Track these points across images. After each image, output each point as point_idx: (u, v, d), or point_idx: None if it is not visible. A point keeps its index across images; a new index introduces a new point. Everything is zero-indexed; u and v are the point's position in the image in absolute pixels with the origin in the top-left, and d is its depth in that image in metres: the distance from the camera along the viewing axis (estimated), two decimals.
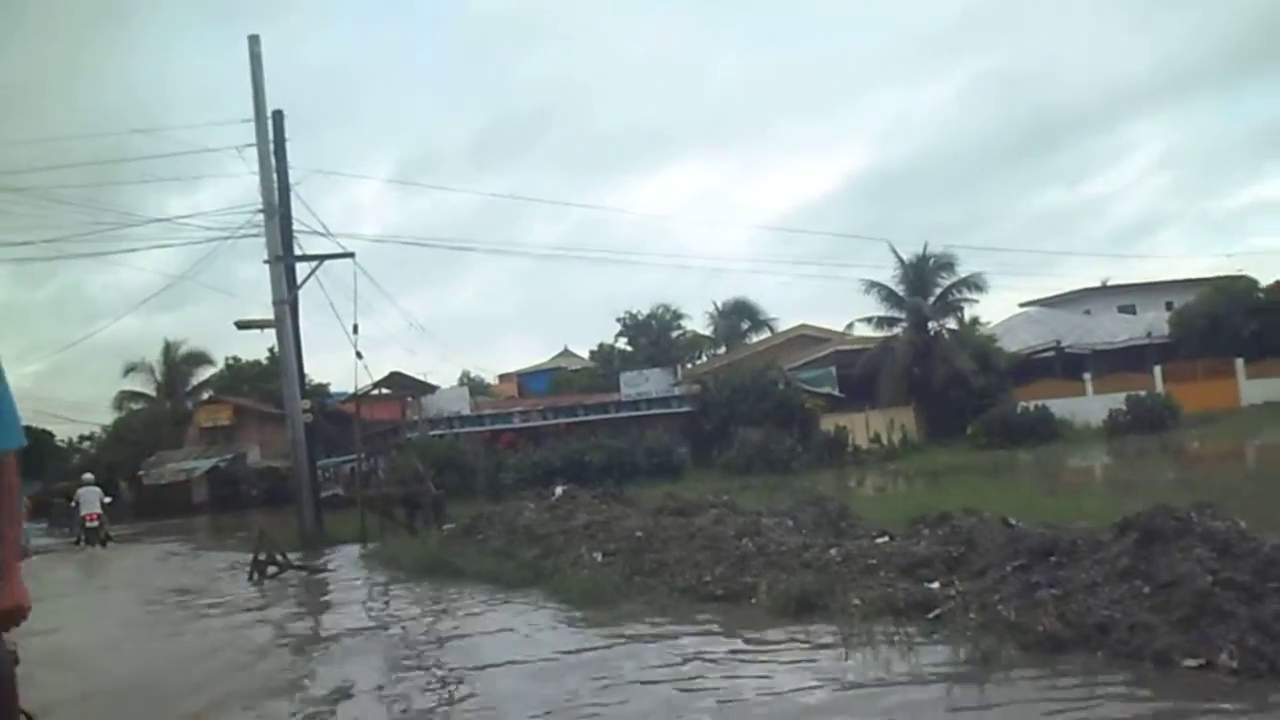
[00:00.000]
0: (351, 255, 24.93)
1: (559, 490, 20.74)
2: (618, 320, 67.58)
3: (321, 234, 25.69)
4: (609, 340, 67.79)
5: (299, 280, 25.14)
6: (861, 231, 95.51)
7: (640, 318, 67.10)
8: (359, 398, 25.28)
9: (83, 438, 79.39)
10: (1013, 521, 12.05)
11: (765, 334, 66.82)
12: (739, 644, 9.80)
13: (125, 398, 69.51)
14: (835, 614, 10.06)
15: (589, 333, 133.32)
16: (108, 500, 34.86)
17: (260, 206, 24.87)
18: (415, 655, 10.74)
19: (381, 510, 23.42)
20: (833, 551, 11.94)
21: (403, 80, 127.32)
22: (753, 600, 11.38)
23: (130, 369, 69.11)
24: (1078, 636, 8.14)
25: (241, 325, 25.22)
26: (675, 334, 67.69)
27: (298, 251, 25.21)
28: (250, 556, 19.09)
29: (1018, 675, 7.71)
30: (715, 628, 10.57)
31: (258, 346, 70.12)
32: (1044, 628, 8.30)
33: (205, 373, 70.48)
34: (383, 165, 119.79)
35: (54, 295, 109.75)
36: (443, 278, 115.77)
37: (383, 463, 48.04)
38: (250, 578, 18.60)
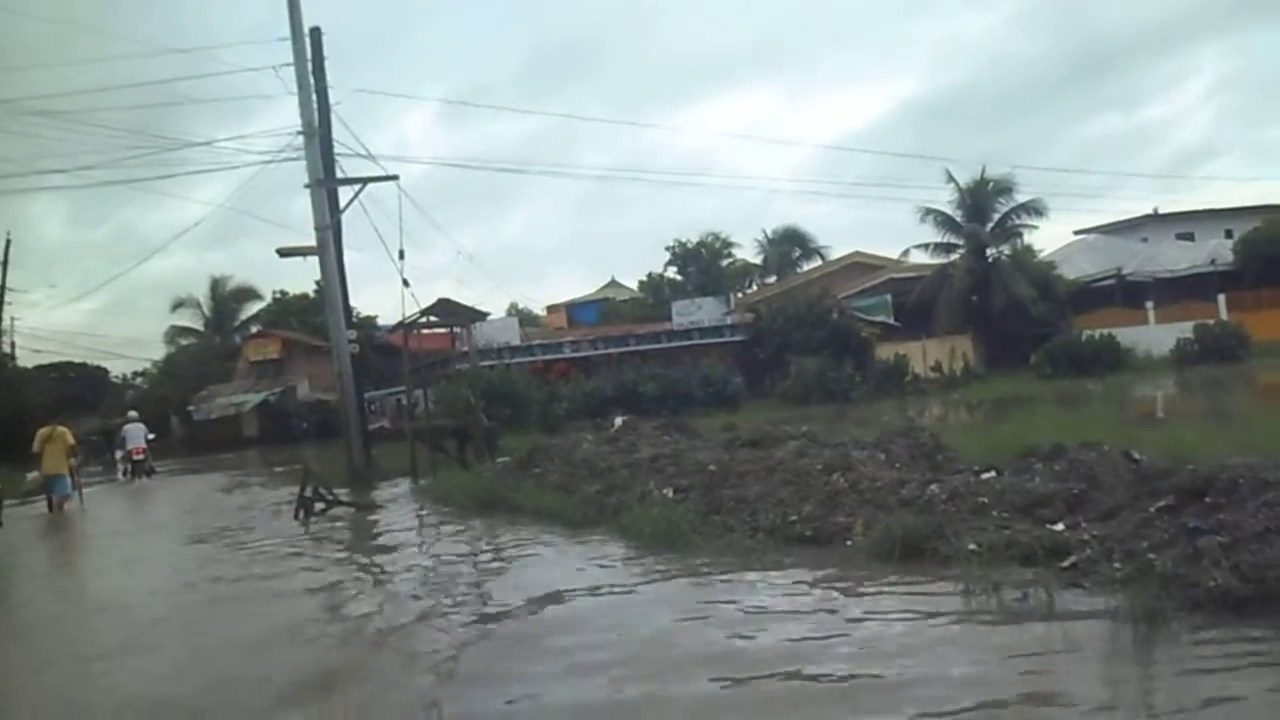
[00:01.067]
0: (395, 178, 23.62)
1: (618, 421, 19.57)
2: (667, 249, 66.23)
3: (365, 157, 24.35)
4: (658, 270, 66.53)
5: (342, 206, 23.85)
6: (909, 160, 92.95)
7: (690, 246, 65.74)
8: (406, 326, 23.97)
9: (135, 374, 79.26)
10: (1137, 456, 10.71)
11: (816, 262, 65.39)
12: (842, 592, 8.56)
13: (175, 333, 69.13)
14: (947, 559, 8.78)
15: (637, 263, 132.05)
16: (151, 436, 34.85)
17: (300, 128, 23.57)
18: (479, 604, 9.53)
19: (432, 443, 22.24)
20: (934, 488, 10.62)
21: (447, 11, 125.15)
22: (848, 542, 10.15)
23: (178, 304, 68.73)
24: (1261, 593, 6.76)
25: (283, 253, 24.00)
26: (725, 263, 66.18)
27: (341, 177, 23.94)
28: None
29: (1191, 638, 6.39)
30: (812, 573, 9.27)
31: (305, 280, 69.37)
32: (1216, 582, 6.92)
33: (253, 307, 69.90)
34: (428, 98, 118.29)
35: (110, 234, 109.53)
36: (489, 210, 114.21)
37: (431, 394, 47.15)
38: (296, 516, 17.51)
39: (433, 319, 24.75)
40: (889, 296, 48.88)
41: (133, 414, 38.47)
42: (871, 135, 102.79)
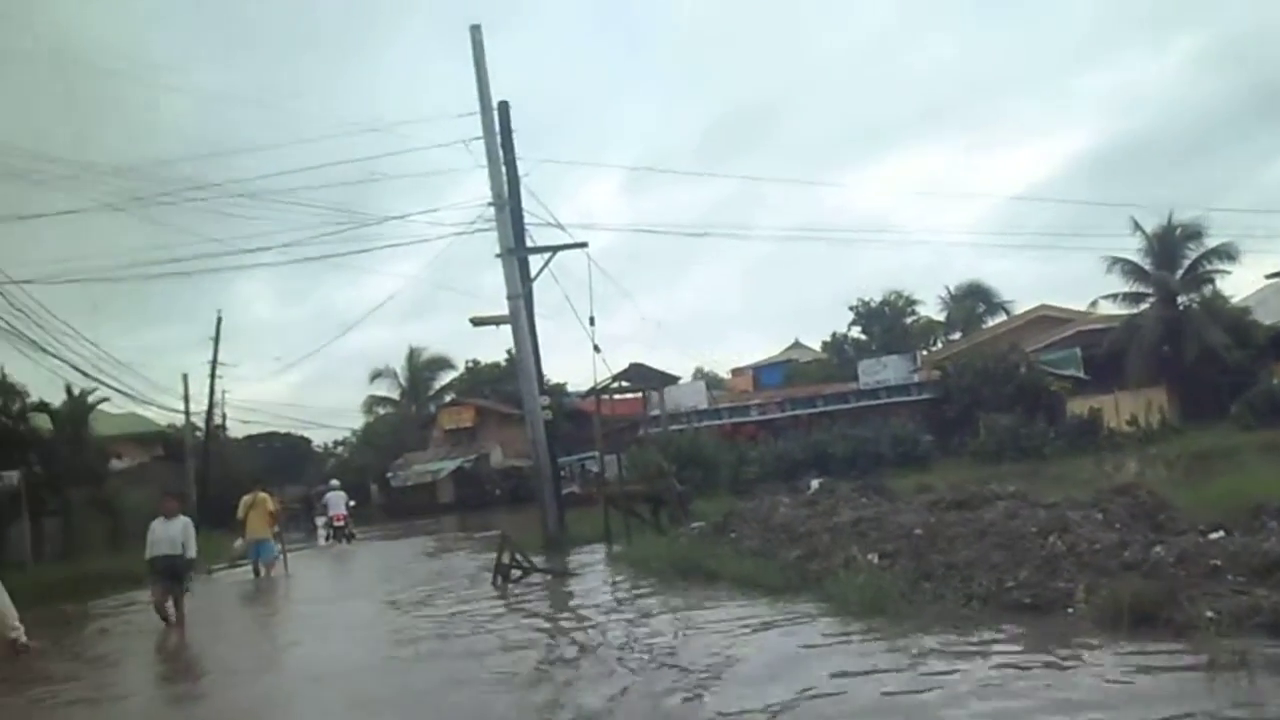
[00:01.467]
0: (584, 245, 23.87)
1: (814, 484, 19.16)
2: (850, 308, 65.82)
3: (553, 225, 24.63)
4: (841, 330, 65.96)
5: (533, 274, 24.14)
6: (1089, 211, 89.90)
7: (873, 305, 65.09)
8: (599, 391, 24.07)
9: (336, 443, 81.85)
10: None
11: (1001, 317, 63.58)
12: (1066, 664, 7.99)
13: (373, 403, 71.25)
14: (1183, 628, 8.15)
15: (819, 324, 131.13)
16: (352, 503, 36.19)
17: (490, 200, 23.98)
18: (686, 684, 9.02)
19: (625, 508, 22.14)
20: (1159, 550, 9.98)
21: (625, 85, 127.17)
22: (1069, 610, 9.55)
23: (376, 375, 70.92)
24: None
25: (476, 322, 24.37)
26: (909, 320, 65.21)
27: (531, 245, 24.26)
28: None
29: None
30: (1037, 643, 8.71)
31: (496, 350, 70.81)
32: None
33: (446, 376, 71.68)
34: (613, 165, 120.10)
35: (312, 311, 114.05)
36: (672, 277, 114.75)
37: (621, 459, 47.30)
38: (494, 582, 17.56)
39: (624, 384, 24.76)
40: (1078, 349, 47.00)
41: (334, 482, 40.21)
42: (1048, 188, 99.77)
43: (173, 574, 15.83)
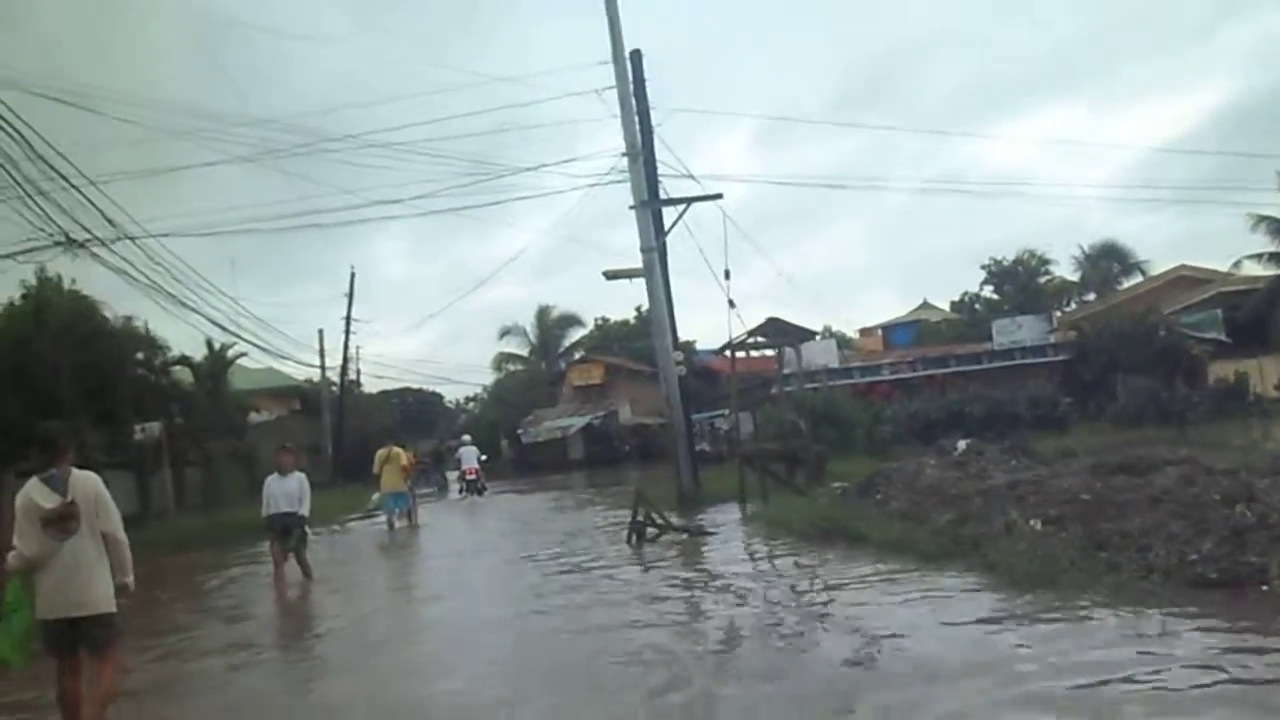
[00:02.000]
0: (719, 196, 23.07)
1: (961, 444, 18.19)
2: (982, 267, 64.04)
3: (687, 177, 23.94)
4: (972, 289, 64.22)
5: (666, 227, 23.46)
6: (1231, 166, 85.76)
7: (1006, 264, 63.20)
8: (734, 347, 23.28)
9: (467, 399, 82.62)
10: None
11: (1137, 278, 61.18)
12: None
13: (503, 359, 71.50)
14: None
15: (948, 285, 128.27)
16: (484, 458, 36.60)
17: (624, 151, 23.33)
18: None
19: (761, 467, 21.44)
20: None
21: (757, 37, 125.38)
22: (1264, 586, 8.62)
23: (505, 332, 71.23)
24: None
25: (610, 275, 23.78)
26: (1043, 280, 63.10)
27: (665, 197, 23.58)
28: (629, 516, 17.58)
29: None
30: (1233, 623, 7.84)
31: (625, 307, 70.58)
32: None
33: (576, 334, 71.69)
34: (738, 128, 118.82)
35: (443, 268, 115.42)
36: (798, 237, 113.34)
37: (751, 418, 46.56)
38: (629, 540, 17.02)
39: (759, 339, 23.97)
40: (1219, 311, 44.69)
41: (466, 437, 40.98)
42: (1185, 144, 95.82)
43: (288, 531, 15.32)
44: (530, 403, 63.14)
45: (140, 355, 33.50)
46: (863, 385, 42.20)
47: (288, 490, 15.33)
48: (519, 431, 58.98)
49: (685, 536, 17.15)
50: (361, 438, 57.17)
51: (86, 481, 7.06)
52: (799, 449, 21.36)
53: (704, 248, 25.55)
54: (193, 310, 30.28)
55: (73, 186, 20.79)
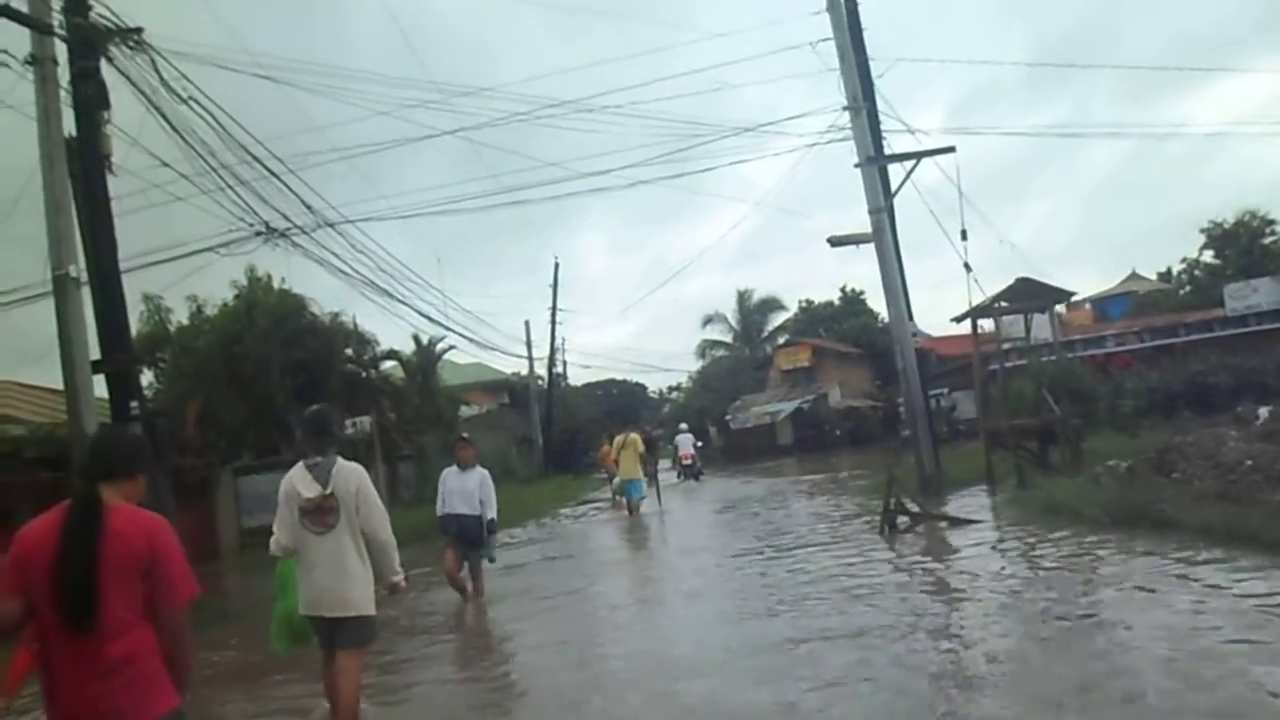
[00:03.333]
0: (951, 150, 20.56)
1: (1263, 413, 15.46)
2: (1201, 231, 59.27)
3: (909, 131, 21.59)
4: (1188, 256, 59.59)
5: (894, 187, 21.11)
6: None
7: (1227, 227, 58.30)
8: (977, 312, 20.66)
9: (670, 388, 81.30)
10: None
11: None
12: None
13: (706, 346, 69.74)
14: None
15: (1153, 255, 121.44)
16: (699, 444, 35.69)
17: (845, 104, 21.05)
18: None
19: (1017, 446, 18.94)
20: None
21: (950, 11, 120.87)
22: None
23: (707, 320, 69.44)
24: None
25: (835, 242, 21.49)
26: (1269, 240, 57.88)
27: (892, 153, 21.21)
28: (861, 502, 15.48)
29: None
30: None
31: (829, 289, 68.20)
32: None
33: (779, 318, 69.43)
34: (935, 106, 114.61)
35: (644, 263, 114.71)
36: (998, 208, 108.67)
37: (969, 397, 43.68)
38: (881, 530, 14.86)
39: (1002, 304, 21.27)
40: None
41: (682, 425, 40.72)
42: None
43: (468, 539, 12.98)
44: (736, 389, 61.19)
45: (349, 351, 32.82)
46: (1100, 357, 38.78)
47: (466, 488, 12.99)
48: (727, 418, 57.05)
49: (945, 525, 14.88)
50: (569, 429, 56.43)
51: (350, 474, 6.65)
52: (1055, 424, 18.75)
53: (921, 214, 23.04)
54: (400, 302, 29.18)
55: (271, 173, 19.53)
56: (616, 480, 26.89)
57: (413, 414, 37.80)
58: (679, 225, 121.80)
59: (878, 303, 67.36)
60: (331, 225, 21.76)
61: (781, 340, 65.23)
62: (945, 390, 46.51)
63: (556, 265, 56.13)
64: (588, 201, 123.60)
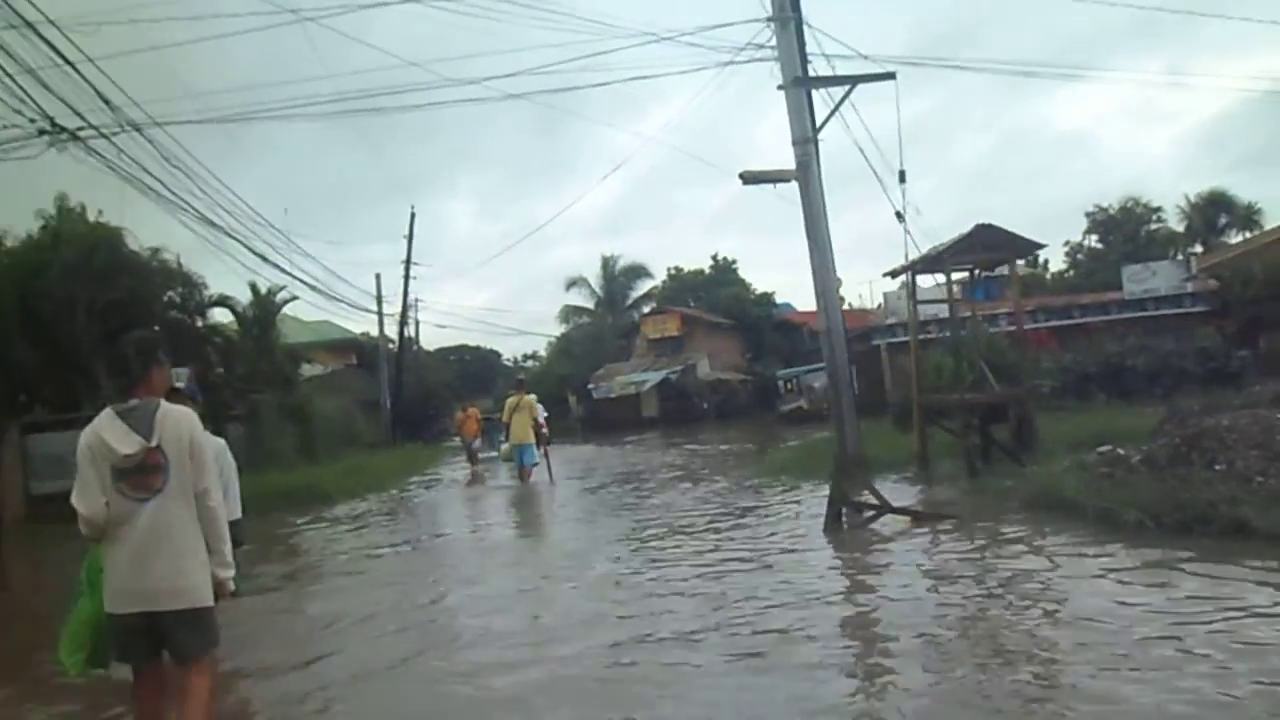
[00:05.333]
0: (892, 76, 17.10)
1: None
2: (1086, 215, 58.11)
3: (848, 55, 18.06)
4: (1075, 238, 58.36)
5: (819, 120, 17.58)
6: None
7: (1112, 213, 57.20)
8: (916, 266, 17.09)
9: (526, 356, 77.46)
10: None
11: (1246, 230, 55.94)
12: None
13: (569, 312, 65.93)
14: None
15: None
16: (545, 415, 31.57)
17: (769, 14, 17.42)
18: None
19: (965, 426, 15.61)
20: None
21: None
22: None
23: (571, 284, 65.84)
24: None
25: (748, 178, 17.73)
26: (1151, 227, 56.87)
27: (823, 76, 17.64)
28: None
29: None
30: None
31: (700, 256, 65.34)
32: None
33: (645, 285, 65.97)
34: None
35: (510, 227, 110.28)
36: (872, 191, 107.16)
37: (856, 373, 40.84)
38: (826, 527, 11.44)
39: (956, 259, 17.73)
40: None
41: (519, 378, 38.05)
42: (1260, 105, 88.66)
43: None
44: (599, 357, 57.63)
45: (171, 294, 28.20)
46: (1019, 333, 36.19)
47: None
48: (589, 386, 53.38)
49: (908, 522, 11.43)
50: (421, 394, 52.07)
51: (180, 421, 4.89)
52: (1010, 402, 15.54)
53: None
54: (230, 237, 24.48)
55: (65, 61, 15.19)
56: (506, 446, 24.53)
57: (248, 370, 33.20)
58: (552, 192, 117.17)
59: (750, 272, 65.11)
60: (136, 128, 17.41)
61: (648, 308, 61.86)
62: (822, 366, 43.74)
63: (413, 215, 51.42)
64: (457, 164, 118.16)
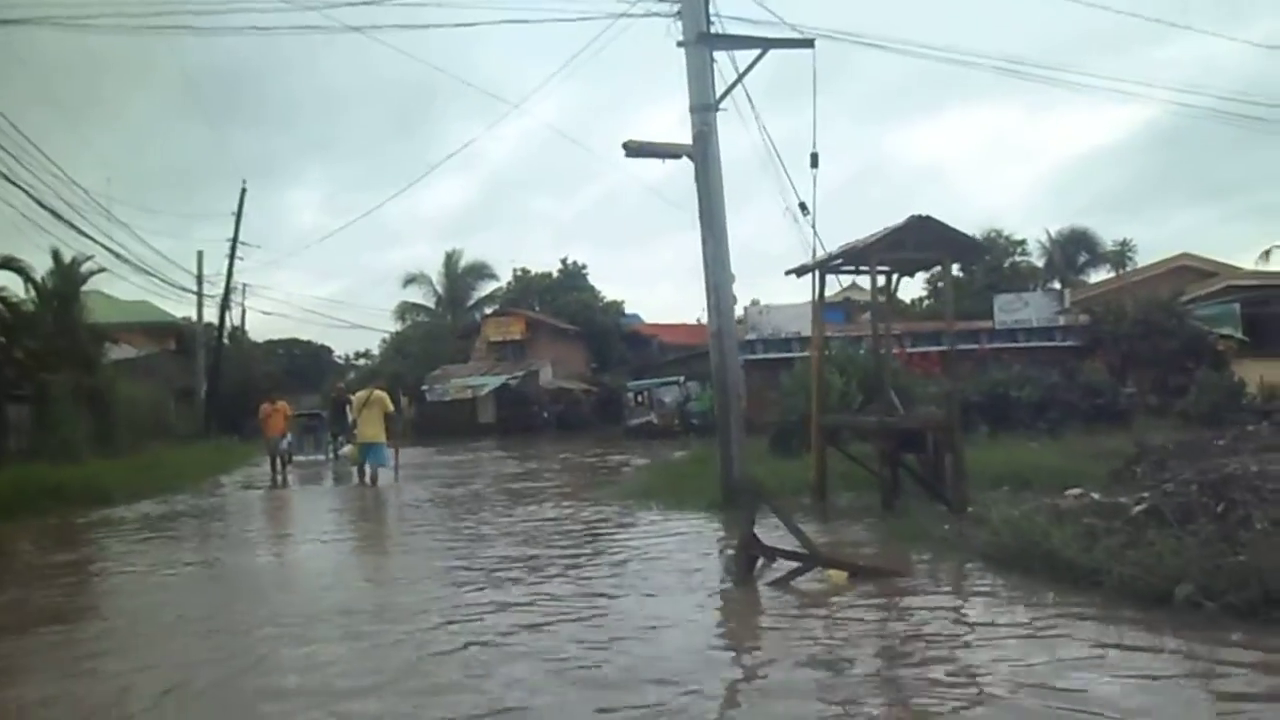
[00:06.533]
0: (810, 44, 14.53)
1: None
2: None
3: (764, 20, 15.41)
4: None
5: (720, 88, 14.87)
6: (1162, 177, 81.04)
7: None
8: (828, 264, 14.23)
9: (358, 353, 73.27)
10: None
11: (1103, 269, 56.94)
12: None
13: (405, 309, 62.10)
14: None
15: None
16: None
17: None
18: None
19: (883, 453, 12.93)
20: None
21: None
22: None
23: (410, 280, 62.21)
24: None
25: (632, 149, 14.91)
26: (1011, 261, 56.19)
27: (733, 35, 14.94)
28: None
29: None
30: None
31: (548, 259, 62.46)
32: None
33: (489, 286, 62.54)
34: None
35: (356, 224, 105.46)
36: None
37: (701, 388, 38.64)
38: (735, 576, 8.64)
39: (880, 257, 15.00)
40: (1237, 306, 37.92)
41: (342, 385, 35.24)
42: (1116, 152, 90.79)
43: None
44: (435, 358, 53.96)
45: None
46: (903, 355, 34.17)
47: None
48: (423, 388, 49.69)
49: (844, 579, 8.62)
50: (243, 387, 47.64)
51: None
52: (933, 426, 12.98)
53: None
54: (12, 183, 20.56)
55: None
56: (349, 448, 23.27)
57: (41, 346, 28.87)
58: (397, 185, 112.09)
59: (599, 279, 62.30)
60: None
61: (491, 310, 58.45)
62: (680, 379, 41.18)
63: (243, 191, 46.76)
64: (308, 153, 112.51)
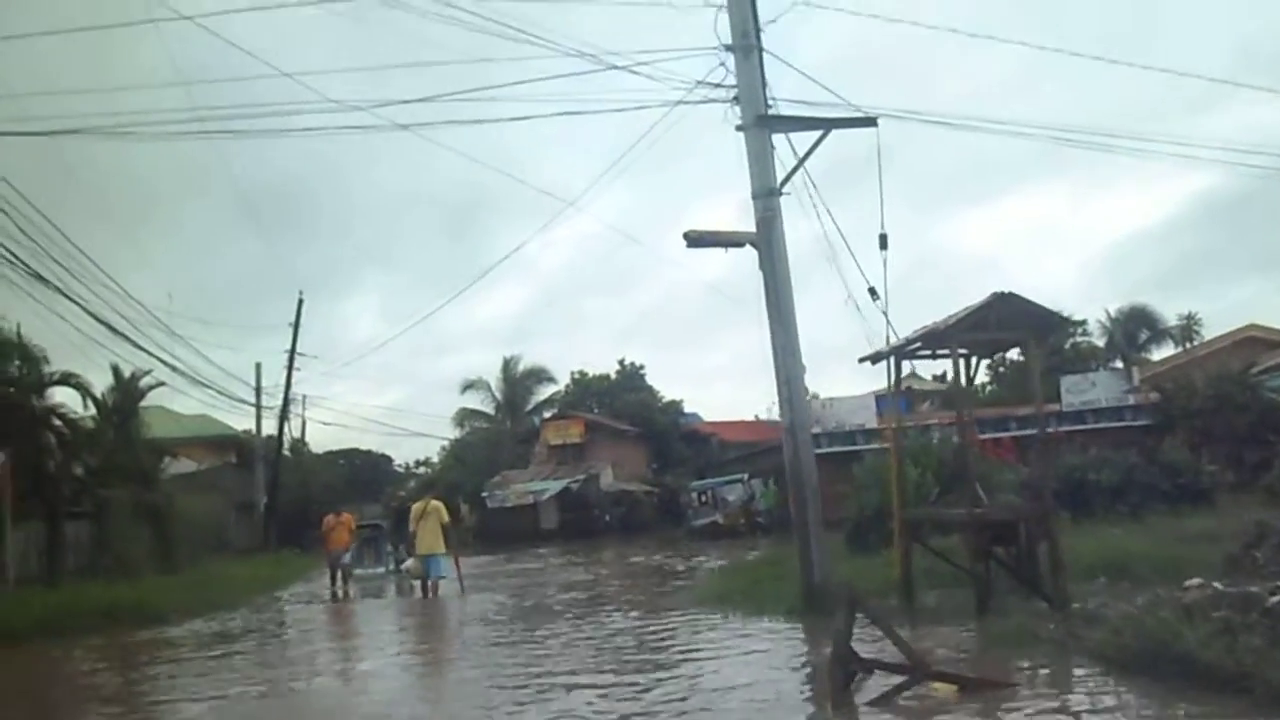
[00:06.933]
0: (874, 123, 13.93)
1: None
2: None
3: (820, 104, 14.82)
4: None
5: (781, 172, 14.26)
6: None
7: None
8: (906, 350, 13.38)
9: (418, 461, 72.80)
10: None
11: (1166, 345, 55.73)
12: None
13: (464, 415, 61.63)
14: None
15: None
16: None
17: (729, 43, 14.18)
18: None
19: (975, 549, 11.99)
20: None
21: None
22: None
23: (468, 386, 61.64)
24: None
25: (693, 239, 14.27)
26: (1074, 341, 54.99)
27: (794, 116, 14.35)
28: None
29: None
30: None
31: (606, 361, 62.09)
32: None
33: (547, 390, 62.07)
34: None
35: (412, 332, 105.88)
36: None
37: (764, 485, 37.76)
38: (830, 697, 7.70)
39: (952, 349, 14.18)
40: None
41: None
42: (1169, 225, 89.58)
43: None
44: (495, 464, 53.35)
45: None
46: (977, 441, 33.16)
47: None
48: (484, 495, 49.01)
49: (952, 692, 7.70)
50: (303, 499, 47.25)
51: None
52: (1029, 518, 12.04)
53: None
54: (68, 298, 20.39)
55: None
56: (411, 562, 22.32)
57: (101, 463, 28.62)
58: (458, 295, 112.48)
59: (657, 379, 61.78)
60: None
61: (549, 414, 57.90)
62: (744, 477, 40.19)
63: (300, 302, 47.12)
64: (361, 264, 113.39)
